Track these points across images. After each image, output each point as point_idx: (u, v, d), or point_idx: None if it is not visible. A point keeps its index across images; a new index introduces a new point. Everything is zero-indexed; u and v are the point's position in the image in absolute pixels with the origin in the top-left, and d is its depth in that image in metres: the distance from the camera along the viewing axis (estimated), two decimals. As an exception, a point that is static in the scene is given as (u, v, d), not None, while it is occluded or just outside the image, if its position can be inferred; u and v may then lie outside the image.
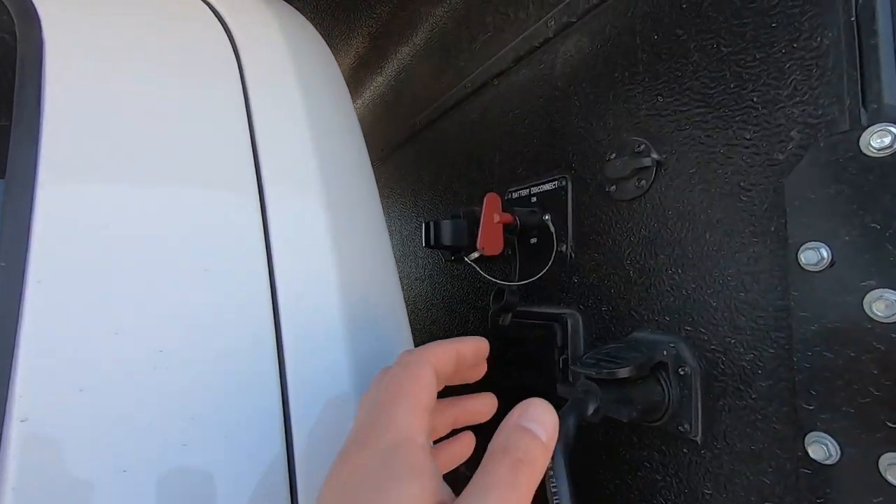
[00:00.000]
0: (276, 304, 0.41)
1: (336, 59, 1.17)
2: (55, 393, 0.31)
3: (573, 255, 0.59)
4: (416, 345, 0.40)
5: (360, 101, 1.32)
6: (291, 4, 1.01)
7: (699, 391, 0.44)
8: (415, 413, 0.29)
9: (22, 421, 0.30)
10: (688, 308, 0.46)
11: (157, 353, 0.34)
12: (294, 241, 0.44)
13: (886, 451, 0.31)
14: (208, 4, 0.52)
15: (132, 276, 0.35)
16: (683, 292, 0.46)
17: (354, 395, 0.41)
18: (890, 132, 0.31)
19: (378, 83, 1.20)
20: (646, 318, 0.50)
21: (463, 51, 0.86)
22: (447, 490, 0.29)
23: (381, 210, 0.57)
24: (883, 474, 0.31)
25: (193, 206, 0.40)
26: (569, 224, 0.60)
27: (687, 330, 0.46)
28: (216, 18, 0.51)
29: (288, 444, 0.38)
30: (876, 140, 0.31)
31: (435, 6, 0.90)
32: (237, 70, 0.49)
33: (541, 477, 0.27)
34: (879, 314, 0.31)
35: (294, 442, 0.38)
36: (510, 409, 0.30)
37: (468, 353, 0.36)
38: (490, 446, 0.27)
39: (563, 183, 0.61)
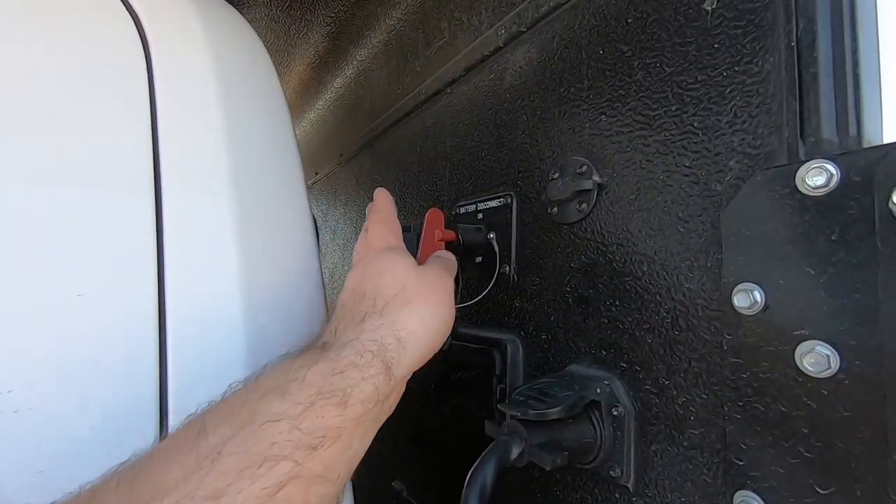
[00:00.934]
0: (164, 323, 0.37)
1: (295, 58, 1.12)
2: None
3: (516, 278, 0.56)
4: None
5: (321, 103, 1.27)
6: (247, 2, 0.97)
7: (632, 434, 0.41)
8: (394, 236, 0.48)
9: None
10: (624, 343, 0.43)
11: (5, 395, 0.30)
12: (191, 246, 0.40)
13: (816, 518, 0.28)
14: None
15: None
16: (620, 326, 0.43)
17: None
18: (826, 170, 0.28)
19: (338, 85, 1.15)
20: (583, 350, 0.47)
21: (419, 56, 0.82)
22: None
23: (308, 216, 0.53)
24: (811, 544, 0.28)
25: (69, 210, 0.35)
26: (512, 244, 0.57)
27: (622, 367, 0.43)
28: (124, 7, 0.46)
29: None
30: (812, 177, 0.29)
31: (391, 8, 0.86)
32: (144, 62, 0.44)
33: (453, 270, 0.49)
34: (810, 368, 0.28)
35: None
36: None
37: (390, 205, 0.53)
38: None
39: (509, 200, 0.58)
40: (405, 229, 0.75)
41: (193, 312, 0.38)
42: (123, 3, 0.46)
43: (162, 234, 0.39)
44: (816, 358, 0.28)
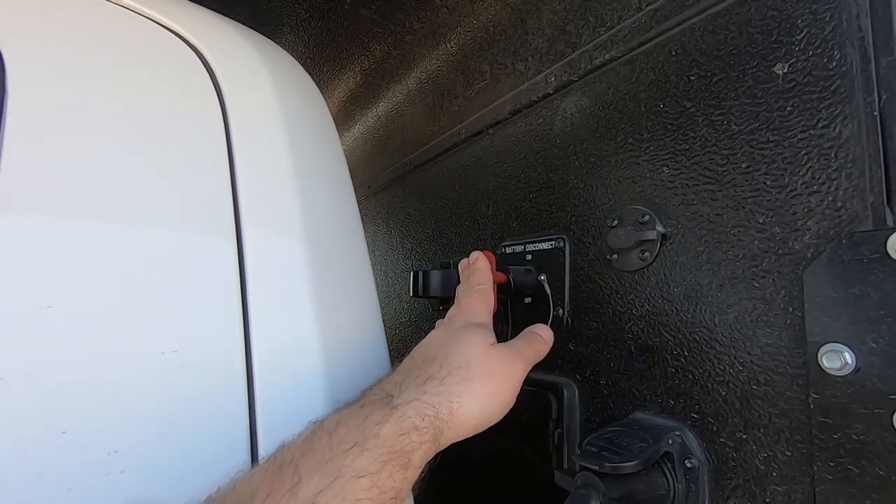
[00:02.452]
0: (251, 364, 0.38)
1: (326, 91, 1.15)
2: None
3: (570, 321, 0.57)
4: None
5: (349, 135, 1.29)
6: (284, 38, 0.99)
7: (707, 487, 0.41)
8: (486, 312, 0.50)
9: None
10: (695, 394, 0.43)
11: (113, 455, 0.30)
12: (271, 289, 0.41)
13: (922, 587, 0.28)
14: (191, 46, 0.48)
15: (75, 356, 0.31)
16: (690, 376, 0.44)
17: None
18: (921, 239, 0.29)
19: (368, 119, 1.18)
20: (648, 398, 0.47)
21: (458, 96, 0.84)
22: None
23: (366, 252, 0.54)
24: None
25: (160, 256, 0.36)
26: (566, 288, 0.57)
27: (694, 417, 0.43)
28: (199, 60, 0.48)
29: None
30: (905, 245, 0.30)
31: (430, 49, 0.88)
32: (220, 112, 0.46)
33: (541, 353, 0.48)
34: (913, 434, 0.29)
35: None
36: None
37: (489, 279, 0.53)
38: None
39: (561, 244, 0.59)
40: (444, 266, 0.76)
41: (277, 358, 0.39)
42: (196, 53, 0.48)
43: (245, 277, 0.40)
44: (919, 424, 0.29)
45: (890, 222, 0.32)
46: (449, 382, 0.39)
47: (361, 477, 0.31)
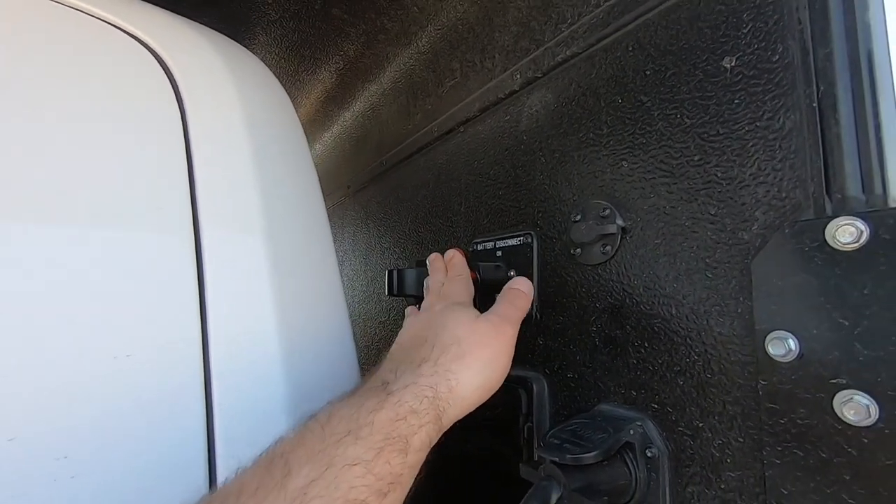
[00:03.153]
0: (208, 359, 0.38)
1: (303, 92, 1.14)
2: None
3: (538, 316, 0.57)
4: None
5: (328, 135, 1.29)
6: (256, 39, 0.99)
7: (667, 476, 0.42)
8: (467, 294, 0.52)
9: None
10: (655, 384, 0.44)
11: (62, 461, 0.30)
12: (230, 287, 0.41)
13: (862, 565, 0.29)
14: (148, 48, 0.48)
15: (29, 354, 0.31)
16: (650, 367, 0.44)
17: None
18: (856, 227, 0.30)
19: (346, 118, 1.18)
20: (612, 389, 0.48)
21: (430, 94, 0.84)
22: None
23: (333, 251, 0.54)
24: (859, 591, 0.29)
25: (115, 257, 0.36)
26: (534, 283, 0.58)
27: (654, 408, 0.44)
28: (157, 62, 0.48)
29: None
30: (842, 233, 0.30)
31: (402, 48, 0.88)
32: (178, 113, 0.46)
33: (525, 307, 0.50)
34: (851, 417, 0.30)
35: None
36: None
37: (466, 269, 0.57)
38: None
39: (529, 240, 0.59)
40: (419, 263, 0.76)
41: (236, 361, 0.39)
42: (154, 55, 0.48)
43: (203, 279, 0.40)
44: (856, 407, 0.29)
45: (829, 211, 0.33)
46: (443, 362, 0.40)
47: (355, 465, 0.31)
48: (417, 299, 0.71)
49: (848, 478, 0.30)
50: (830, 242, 0.31)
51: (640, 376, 0.45)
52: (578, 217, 0.52)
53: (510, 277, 0.61)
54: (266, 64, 1.05)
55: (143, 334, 0.35)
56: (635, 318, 0.46)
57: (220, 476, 0.35)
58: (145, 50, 0.47)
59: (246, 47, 0.99)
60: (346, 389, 0.47)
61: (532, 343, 0.58)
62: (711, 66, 0.41)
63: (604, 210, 0.49)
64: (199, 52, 0.52)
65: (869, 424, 0.29)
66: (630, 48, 0.48)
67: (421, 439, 0.35)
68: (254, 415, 0.38)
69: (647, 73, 0.46)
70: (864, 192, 0.32)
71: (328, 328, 0.49)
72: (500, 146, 0.66)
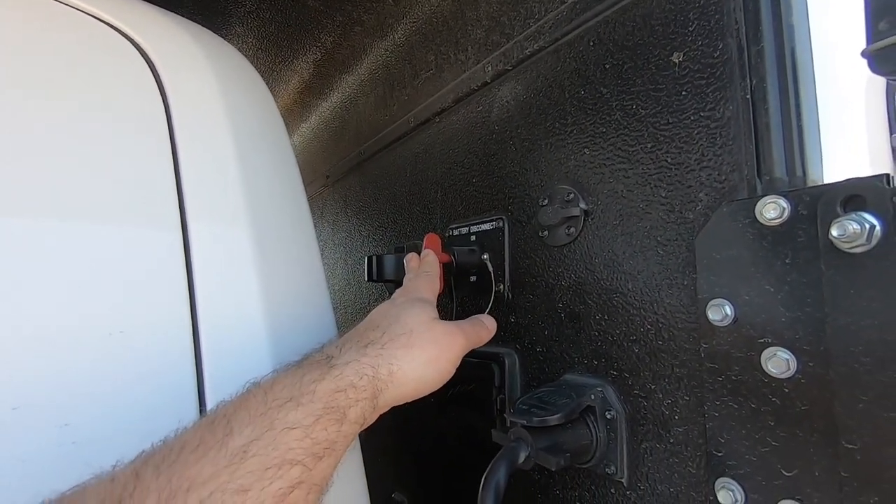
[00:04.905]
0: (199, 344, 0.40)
1: (281, 82, 1.15)
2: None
3: (510, 296, 0.61)
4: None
5: (306, 126, 1.30)
6: (233, 29, 0.99)
7: (624, 434, 0.46)
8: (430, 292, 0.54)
9: None
10: (614, 353, 0.48)
11: (64, 428, 0.32)
12: (217, 275, 0.43)
13: (783, 499, 0.34)
14: (132, 41, 0.50)
15: (33, 341, 0.33)
16: (609, 338, 0.48)
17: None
18: (779, 204, 0.34)
19: (324, 109, 1.19)
20: (576, 360, 0.52)
21: (406, 85, 0.87)
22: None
23: (313, 236, 0.57)
24: (781, 521, 0.34)
25: (107, 246, 0.38)
26: (506, 265, 0.62)
27: (613, 374, 0.48)
28: (140, 56, 0.49)
29: None
30: (768, 210, 0.34)
31: (378, 39, 0.91)
32: (162, 106, 0.47)
33: (482, 340, 0.51)
34: (773, 370, 0.34)
35: None
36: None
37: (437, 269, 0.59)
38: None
39: (501, 224, 0.63)
40: (398, 250, 0.79)
41: (224, 338, 0.42)
42: (137, 48, 0.50)
43: (191, 265, 0.42)
44: (778, 362, 0.34)
45: (759, 191, 0.37)
46: (390, 347, 0.42)
47: (294, 429, 0.32)
48: (396, 284, 0.74)
49: (772, 423, 0.34)
50: (759, 219, 0.35)
51: (601, 346, 0.49)
52: (545, 201, 0.55)
53: (483, 260, 0.64)
54: (243, 54, 1.06)
55: (135, 313, 0.37)
56: (596, 294, 0.50)
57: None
58: (128, 42, 0.49)
59: (223, 36, 1.00)
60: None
61: (504, 321, 0.61)
62: (662, 61, 0.45)
63: (568, 195, 0.53)
64: (181, 45, 0.54)
65: (789, 376, 0.33)
66: (591, 43, 0.52)
67: (357, 413, 0.37)
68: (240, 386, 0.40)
69: (607, 66, 0.50)
70: (787, 174, 0.36)
71: (310, 309, 0.52)
72: (474, 136, 0.69)
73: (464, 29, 0.72)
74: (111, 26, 0.49)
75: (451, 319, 0.68)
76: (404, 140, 0.87)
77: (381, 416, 0.42)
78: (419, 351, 0.43)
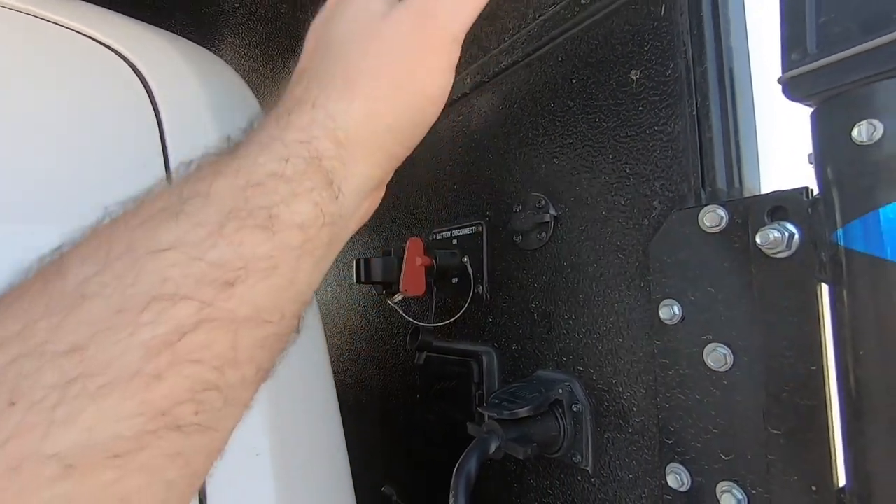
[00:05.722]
0: None
1: (273, 92, 1.18)
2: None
3: (488, 297, 0.64)
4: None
5: (298, 131, 1.33)
6: (225, 40, 1.02)
7: (589, 426, 0.49)
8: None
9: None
10: (580, 350, 0.51)
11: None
12: None
13: (722, 480, 0.37)
14: (125, 59, 0.53)
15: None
16: (576, 336, 0.52)
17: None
18: (717, 213, 0.37)
19: (315, 115, 1.22)
20: (547, 357, 0.55)
21: (393, 94, 0.90)
22: None
23: None
24: (719, 499, 0.37)
25: None
26: (484, 267, 0.65)
27: (579, 370, 0.51)
28: (133, 72, 0.52)
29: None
30: (709, 218, 0.38)
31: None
32: (154, 118, 0.50)
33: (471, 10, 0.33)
34: (713, 365, 0.37)
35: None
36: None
37: None
38: None
39: (480, 229, 0.66)
40: (386, 254, 0.83)
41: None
42: (130, 65, 0.53)
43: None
44: (717, 357, 0.37)
45: (703, 200, 0.40)
46: (322, 102, 0.28)
47: (167, 250, 0.22)
48: (384, 286, 0.78)
49: (713, 413, 0.38)
50: (701, 226, 0.39)
51: (569, 344, 0.52)
52: (519, 208, 0.59)
53: (464, 263, 0.68)
54: (234, 64, 1.09)
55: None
56: (565, 295, 0.53)
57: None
58: (122, 61, 0.52)
59: (215, 48, 1.03)
60: (319, 366, 0.53)
61: (483, 321, 0.65)
62: (622, 77, 0.48)
63: (540, 201, 0.56)
64: (171, 61, 0.57)
65: (726, 370, 0.37)
66: (560, 58, 0.55)
67: (301, 212, 0.25)
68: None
69: (574, 81, 0.53)
70: (727, 184, 0.39)
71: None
72: (455, 144, 0.72)
73: (445, 41, 0.75)
74: (105, 45, 0.52)
75: (429, 320, 0.72)
76: (391, 147, 0.90)
77: (368, 410, 0.44)
78: (368, 87, 0.29)
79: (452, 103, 0.72)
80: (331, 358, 0.58)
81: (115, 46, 0.53)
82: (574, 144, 0.53)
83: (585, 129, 0.51)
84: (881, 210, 0.26)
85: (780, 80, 0.30)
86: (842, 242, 0.28)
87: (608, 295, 0.48)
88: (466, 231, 0.68)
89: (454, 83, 0.71)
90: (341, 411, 0.55)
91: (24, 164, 0.40)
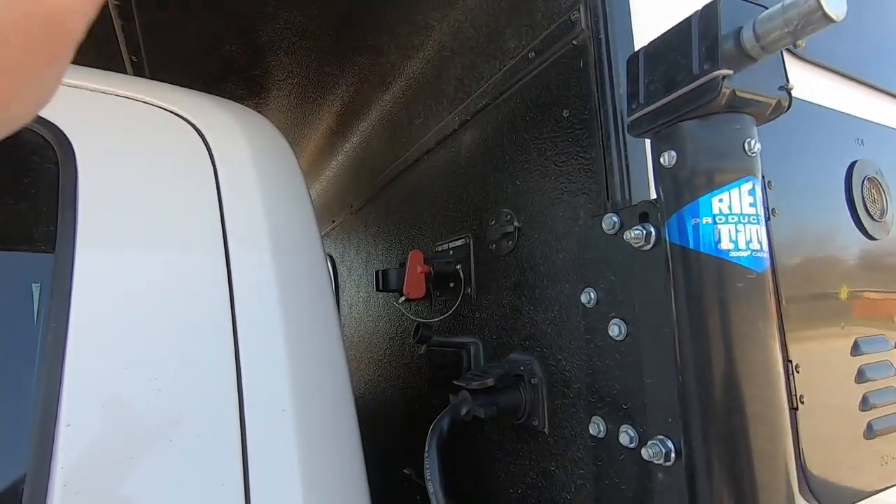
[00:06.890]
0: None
1: (311, 130, 1.38)
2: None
3: (475, 296, 0.77)
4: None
5: (335, 162, 1.52)
6: (270, 93, 1.23)
7: (544, 395, 0.61)
8: None
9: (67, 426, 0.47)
10: (538, 335, 0.63)
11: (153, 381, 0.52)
12: (251, 305, 0.62)
13: (624, 423, 0.48)
14: (191, 124, 0.71)
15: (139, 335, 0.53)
16: (536, 323, 0.64)
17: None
18: (612, 219, 0.49)
19: (346, 149, 1.41)
20: (516, 342, 0.67)
21: (404, 130, 1.06)
22: None
23: (325, 265, 0.75)
24: (618, 438, 0.48)
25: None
26: (471, 272, 0.78)
27: (538, 351, 0.63)
28: (195, 132, 0.70)
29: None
30: (607, 223, 0.50)
31: (383, 93, 1.11)
32: (211, 168, 0.68)
33: None
34: (614, 335, 0.49)
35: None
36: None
37: None
38: None
39: (468, 240, 0.79)
40: (402, 264, 0.97)
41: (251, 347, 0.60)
42: (194, 128, 0.71)
43: (232, 286, 0.61)
44: (615, 329, 0.48)
45: (608, 209, 0.52)
46: None
47: None
48: (399, 293, 0.92)
49: (617, 373, 0.49)
50: (604, 229, 0.50)
51: (531, 331, 0.64)
52: (493, 221, 0.72)
53: (457, 270, 0.81)
54: (279, 109, 1.29)
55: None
56: (528, 291, 0.65)
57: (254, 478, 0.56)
58: (188, 125, 0.70)
59: (263, 99, 1.24)
60: (337, 368, 0.68)
61: (471, 317, 0.77)
62: (558, 115, 0.61)
63: (507, 216, 0.69)
64: (224, 122, 0.75)
65: (621, 339, 0.48)
66: (518, 101, 0.68)
67: None
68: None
69: (528, 118, 0.66)
70: (621, 197, 0.51)
71: (322, 332, 0.70)
72: (449, 171, 0.87)
73: (440, 86, 0.90)
74: (174, 113, 0.71)
75: (430, 319, 0.85)
76: (404, 175, 1.06)
77: (386, 404, 0.57)
78: None
79: (446, 137, 0.87)
80: (352, 358, 0.72)
81: (181, 113, 0.72)
82: (529, 169, 0.66)
83: (536, 156, 0.64)
84: (679, 212, 0.37)
85: (626, 122, 0.42)
86: (666, 237, 0.40)
87: (555, 287, 0.60)
88: (458, 243, 0.82)
89: (447, 121, 0.86)
90: (364, 409, 0.68)
91: (132, 207, 0.58)
